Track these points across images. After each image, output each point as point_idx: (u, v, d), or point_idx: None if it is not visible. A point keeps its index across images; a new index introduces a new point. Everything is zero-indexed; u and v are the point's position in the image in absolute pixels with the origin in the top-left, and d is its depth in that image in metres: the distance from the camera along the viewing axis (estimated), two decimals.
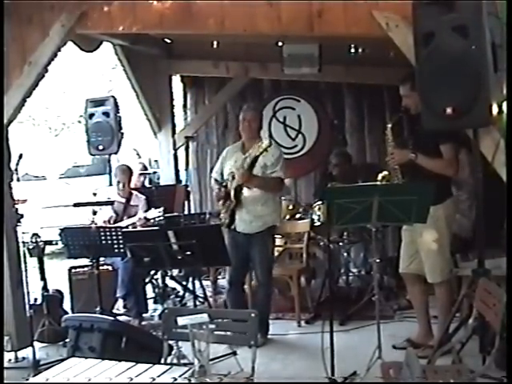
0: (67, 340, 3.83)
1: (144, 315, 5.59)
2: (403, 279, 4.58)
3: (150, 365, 2.65)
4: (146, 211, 5.77)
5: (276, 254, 5.86)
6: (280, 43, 6.29)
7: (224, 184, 4.77)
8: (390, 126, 4.24)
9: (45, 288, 4.88)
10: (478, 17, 3.29)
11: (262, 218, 4.72)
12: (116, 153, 6.57)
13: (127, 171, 6.02)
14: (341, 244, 5.67)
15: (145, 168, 9.40)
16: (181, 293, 6.23)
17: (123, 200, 5.90)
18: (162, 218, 5.64)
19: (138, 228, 5.54)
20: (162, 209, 5.64)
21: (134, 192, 6.06)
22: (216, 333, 2.85)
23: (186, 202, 6.76)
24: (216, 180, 4.90)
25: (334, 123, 7.39)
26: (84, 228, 4.86)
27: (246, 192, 4.68)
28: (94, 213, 4.98)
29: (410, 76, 3.86)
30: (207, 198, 7.97)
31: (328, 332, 3.86)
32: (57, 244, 5.63)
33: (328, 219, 3.77)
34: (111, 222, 5.71)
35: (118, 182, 5.94)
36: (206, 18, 4.28)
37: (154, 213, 5.65)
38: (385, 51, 5.33)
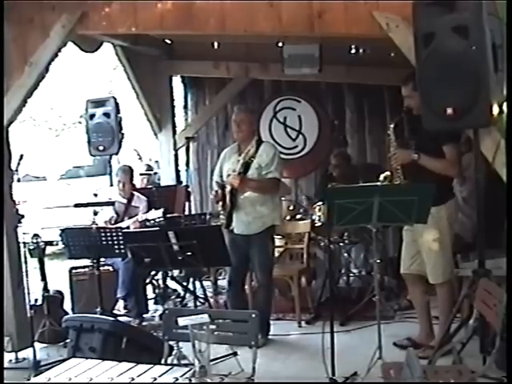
0: (68, 340, 3.83)
1: (145, 316, 5.59)
2: (404, 280, 4.58)
3: (151, 365, 2.65)
4: (146, 213, 5.77)
5: (276, 254, 5.87)
6: (280, 43, 6.29)
7: (223, 186, 4.78)
8: (392, 126, 4.24)
9: (45, 288, 4.88)
10: (479, 17, 3.29)
11: (261, 218, 4.72)
12: (117, 153, 6.57)
13: (128, 171, 6.02)
14: (341, 244, 5.67)
15: (150, 168, 9.39)
16: (181, 293, 6.23)
17: (124, 200, 5.90)
18: (162, 219, 5.63)
19: (134, 228, 5.53)
20: (162, 210, 5.63)
21: (136, 193, 6.05)
22: (216, 333, 2.86)
23: (187, 203, 6.76)
24: (217, 182, 4.90)
25: (335, 124, 7.39)
26: (85, 228, 4.87)
27: (244, 193, 4.69)
28: (95, 213, 4.98)
29: (412, 76, 3.85)
30: (208, 199, 7.97)
31: (329, 332, 3.86)
32: (57, 244, 5.64)
33: (328, 220, 3.77)
34: (112, 222, 5.71)
35: (119, 182, 5.94)
36: (206, 19, 4.29)
37: (155, 214, 5.65)
38: (385, 52, 5.33)
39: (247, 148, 4.69)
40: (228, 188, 4.70)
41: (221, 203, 4.77)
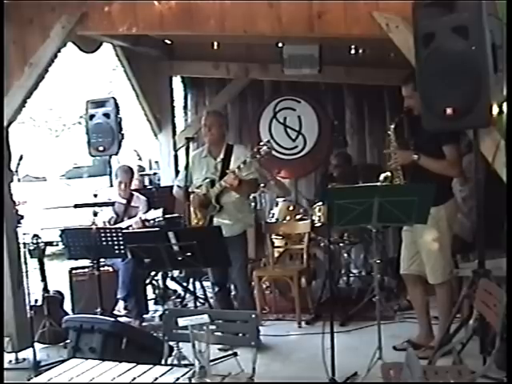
0: (68, 341, 3.84)
1: (145, 316, 5.59)
2: (404, 280, 4.58)
3: (151, 366, 2.65)
4: (145, 212, 5.76)
5: (276, 254, 5.88)
6: (280, 44, 6.30)
7: (191, 190, 4.74)
8: (392, 126, 4.24)
9: (45, 289, 4.88)
10: (478, 17, 3.29)
11: (242, 220, 4.84)
12: (116, 154, 6.57)
13: (129, 172, 6.01)
14: (341, 245, 5.67)
15: (142, 169, 9.38)
16: (181, 294, 6.23)
17: (124, 201, 5.90)
18: (161, 218, 5.63)
19: (135, 229, 5.53)
20: (161, 209, 5.63)
21: (135, 193, 6.05)
22: (216, 333, 2.86)
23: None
24: (179, 187, 4.89)
25: (335, 124, 7.40)
26: (84, 229, 4.86)
27: (226, 197, 4.72)
28: (95, 214, 4.98)
29: (413, 76, 3.85)
30: None
31: (328, 333, 3.86)
32: (57, 245, 5.63)
33: (328, 220, 3.78)
34: (111, 222, 5.71)
35: (119, 183, 5.93)
36: (206, 19, 4.29)
37: (154, 213, 5.64)
38: (385, 52, 5.33)
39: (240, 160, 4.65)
40: (216, 190, 4.70)
41: (198, 208, 4.77)
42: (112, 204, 5.70)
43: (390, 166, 4.20)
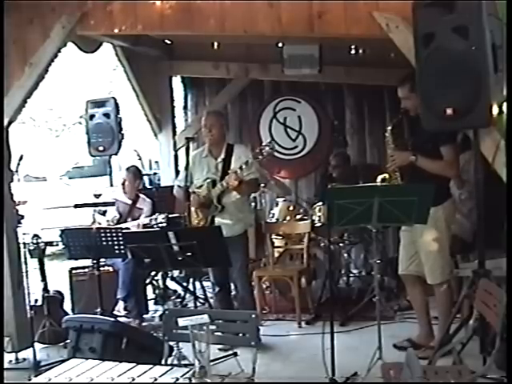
0: (68, 341, 3.83)
1: (145, 316, 5.59)
2: (403, 280, 4.58)
3: (151, 366, 2.65)
4: (150, 215, 5.73)
5: (276, 254, 5.88)
6: (280, 44, 6.29)
7: (192, 190, 4.73)
8: (389, 128, 4.24)
9: (45, 289, 4.88)
10: (479, 17, 3.29)
11: (243, 220, 4.84)
12: (116, 154, 6.56)
13: (131, 171, 6.00)
14: (341, 245, 5.68)
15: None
16: (181, 294, 6.23)
17: (129, 201, 5.89)
18: (165, 224, 5.60)
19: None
20: (164, 215, 5.58)
21: (141, 195, 6.03)
22: (216, 333, 2.86)
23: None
24: (179, 187, 4.88)
25: (335, 124, 7.40)
26: (84, 229, 4.86)
27: (227, 197, 4.71)
28: (103, 213, 4.96)
29: (408, 78, 3.86)
30: None
31: (329, 333, 3.86)
32: (57, 245, 5.62)
33: (328, 220, 3.78)
34: (114, 222, 5.70)
35: (123, 182, 5.92)
36: (206, 19, 4.29)
37: (157, 219, 5.61)
38: (385, 52, 5.33)
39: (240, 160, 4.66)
40: (217, 190, 4.69)
41: (199, 208, 4.76)
42: (112, 204, 5.69)
43: (389, 168, 4.20)
